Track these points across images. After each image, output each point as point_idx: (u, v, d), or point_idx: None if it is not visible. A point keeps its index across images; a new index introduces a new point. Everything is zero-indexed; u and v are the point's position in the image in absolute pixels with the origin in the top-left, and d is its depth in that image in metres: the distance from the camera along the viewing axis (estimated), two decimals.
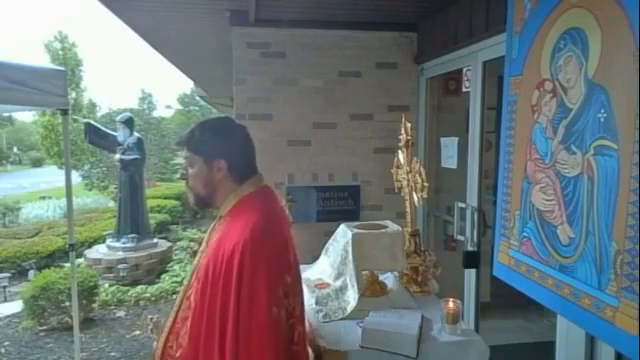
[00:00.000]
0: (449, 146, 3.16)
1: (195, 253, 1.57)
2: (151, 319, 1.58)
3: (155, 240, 6.70)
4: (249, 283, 1.21)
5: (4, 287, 5.70)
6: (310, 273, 2.13)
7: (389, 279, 2.06)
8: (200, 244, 1.56)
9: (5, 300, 5.60)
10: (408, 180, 2.09)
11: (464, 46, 2.84)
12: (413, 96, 3.61)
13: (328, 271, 2.06)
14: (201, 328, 1.28)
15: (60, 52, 22.32)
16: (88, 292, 4.71)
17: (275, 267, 1.27)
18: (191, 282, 1.42)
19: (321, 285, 2.00)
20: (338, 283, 1.92)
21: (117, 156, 6.43)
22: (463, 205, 2.88)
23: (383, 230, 1.93)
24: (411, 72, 3.59)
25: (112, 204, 10.55)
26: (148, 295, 5.43)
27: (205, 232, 1.60)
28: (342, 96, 3.51)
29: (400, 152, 2.17)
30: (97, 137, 6.62)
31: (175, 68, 6.16)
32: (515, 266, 2.02)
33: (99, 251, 6.32)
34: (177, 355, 1.38)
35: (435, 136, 3.52)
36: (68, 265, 4.40)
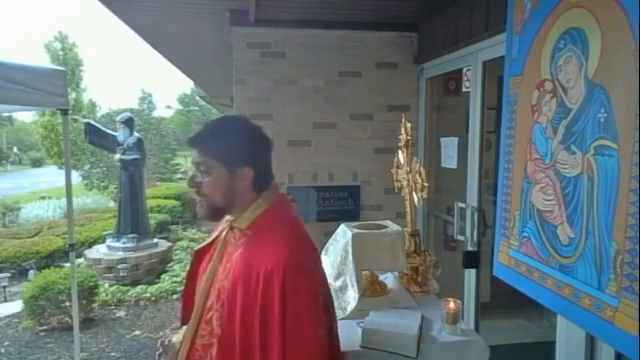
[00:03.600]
0: (449, 146, 3.16)
1: (194, 254, 1.47)
2: (162, 342, 1.42)
3: (155, 240, 6.70)
4: (294, 308, 1.14)
5: (4, 287, 5.70)
6: None
7: (389, 279, 2.05)
8: (205, 250, 1.43)
9: (5, 300, 5.60)
10: (408, 180, 2.09)
11: (464, 46, 2.85)
12: (413, 96, 3.61)
13: (328, 271, 2.05)
14: (234, 354, 1.17)
15: (60, 52, 22.37)
16: (88, 292, 4.71)
17: (316, 288, 1.21)
18: (208, 303, 1.28)
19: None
20: (338, 283, 1.92)
21: (117, 156, 6.43)
22: (463, 205, 2.88)
23: (383, 230, 1.93)
24: (411, 72, 3.59)
25: (112, 204, 10.56)
26: (148, 295, 5.43)
27: (206, 232, 1.54)
28: (342, 96, 3.52)
29: (400, 152, 2.17)
30: (97, 137, 6.61)
31: (175, 68, 6.16)
32: (515, 266, 2.02)
33: (99, 251, 6.32)
34: None
35: (435, 136, 3.53)
36: (68, 265, 4.40)
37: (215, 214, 1.30)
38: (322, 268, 1.32)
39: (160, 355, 1.42)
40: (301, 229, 1.31)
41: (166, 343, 1.42)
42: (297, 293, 1.14)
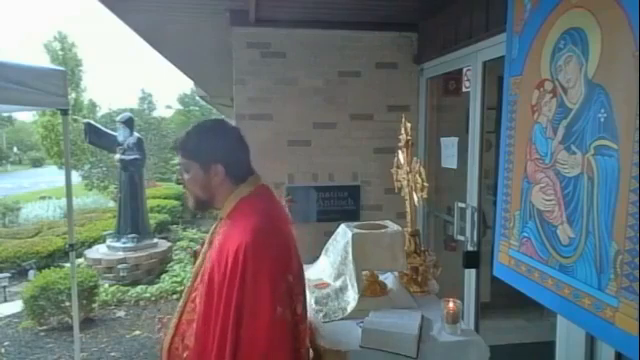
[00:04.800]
0: (449, 146, 3.16)
1: (195, 253, 1.57)
2: (160, 319, 1.58)
3: (155, 240, 6.70)
4: (252, 284, 1.23)
5: (4, 287, 5.70)
6: (310, 273, 2.13)
7: (389, 279, 2.06)
8: (202, 245, 1.55)
9: (5, 300, 5.60)
10: (408, 180, 2.09)
11: (464, 46, 2.84)
12: (413, 96, 3.61)
13: (328, 271, 2.06)
14: (207, 329, 1.29)
15: (60, 52, 22.37)
16: (88, 292, 4.72)
17: (277, 267, 1.28)
18: (195, 284, 1.44)
19: (321, 285, 2.00)
20: (338, 283, 1.92)
21: (117, 156, 6.43)
22: (463, 205, 2.88)
23: (383, 230, 1.93)
24: (411, 72, 3.59)
25: (112, 204, 10.56)
26: (148, 295, 5.43)
27: (206, 232, 1.61)
28: (342, 96, 3.52)
29: (400, 152, 2.17)
30: (97, 137, 6.62)
31: (175, 68, 6.16)
32: (515, 266, 2.02)
33: (99, 251, 6.32)
34: (184, 356, 1.40)
35: (435, 136, 3.52)
36: (68, 265, 4.40)
37: (200, 207, 1.49)
38: (295, 255, 1.37)
39: (160, 329, 1.59)
40: (276, 217, 1.40)
41: (165, 320, 1.57)
42: (256, 271, 1.23)
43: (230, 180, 1.39)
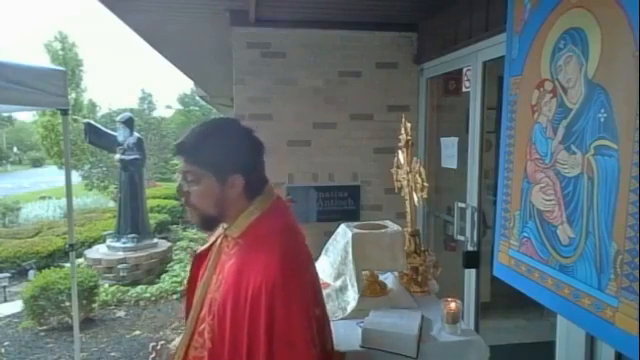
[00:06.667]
0: (449, 146, 3.16)
1: (195, 258, 1.43)
2: (154, 347, 1.40)
3: (155, 240, 6.71)
4: (284, 326, 1.08)
5: (4, 287, 5.71)
6: None
7: (389, 279, 2.06)
8: (204, 255, 1.37)
9: (5, 300, 5.60)
10: (408, 180, 2.09)
11: (464, 46, 2.84)
12: (413, 96, 3.61)
13: (328, 271, 2.06)
14: None
15: (60, 52, 22.40)
16: (88, 292, 4.72)
17: (307, 303, 1.15)
18: (201, 314, 1.24)
19: (321, 285, 1.99)
20: (338, 283, 1.92)
21: (117, 156, 6.44)
22: (463, 205, 2.88)
23: (383, 230, 1.93)
24: (411, 72, 3.59)
25: (112, 204, 10.58)
26: (148, 295, 5.44)
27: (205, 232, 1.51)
28: (342, 96, 3.51)
29: (400, 152, 2.17)
30: (97, 137, 6.63)
31: (175, 68, 6.16)
32: (515, 266, 2.02)
33: (99, 251, 6.33)
34: None
35: (435, 136, 3.52)
36: (68, 265, 4.41)
37: (208, 224, 1.25)
38: (317, 281, 1.28)
39: (154, 359, 1.39)
40: (296, 238, 1.25)
41: (158, 347, 1.39)
42: (288, 313, 1.09)
43: (246, 194, 1.20)
